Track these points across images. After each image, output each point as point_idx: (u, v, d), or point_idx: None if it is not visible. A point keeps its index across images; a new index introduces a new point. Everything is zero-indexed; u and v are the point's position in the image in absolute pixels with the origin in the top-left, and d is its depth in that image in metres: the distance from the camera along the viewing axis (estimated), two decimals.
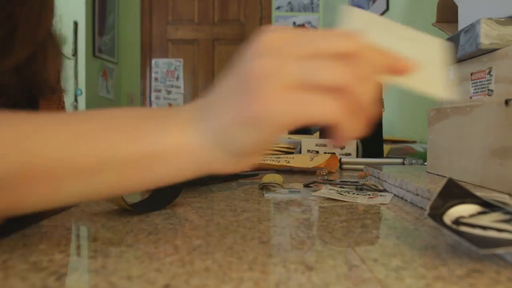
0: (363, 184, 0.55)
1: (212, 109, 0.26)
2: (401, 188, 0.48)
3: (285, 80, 0.23)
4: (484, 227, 0.26)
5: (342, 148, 0.91)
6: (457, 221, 0.27)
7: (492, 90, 0.43)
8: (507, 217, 0.27)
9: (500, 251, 0.24)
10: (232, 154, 0.25)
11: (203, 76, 3.56)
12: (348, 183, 0.57)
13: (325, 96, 0.23)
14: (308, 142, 0.96)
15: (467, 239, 0.24)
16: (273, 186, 0.54)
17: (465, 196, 0.29)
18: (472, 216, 0.27)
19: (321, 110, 0.23)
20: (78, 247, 0.27)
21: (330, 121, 0.23)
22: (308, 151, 0.95)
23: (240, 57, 0.25)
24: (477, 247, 0.24)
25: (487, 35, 0.42)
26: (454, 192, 0.29)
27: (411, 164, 0.78)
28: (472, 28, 0.44)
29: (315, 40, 0.24)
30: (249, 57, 0.24)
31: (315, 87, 0.23)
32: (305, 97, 0.23)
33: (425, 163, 0.69)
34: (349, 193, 0.49)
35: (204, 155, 0.25)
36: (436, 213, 0.27)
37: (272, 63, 0.23)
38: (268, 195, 0.49)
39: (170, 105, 3.58)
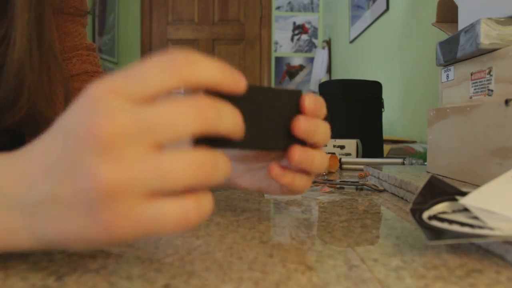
0: (363, 184, 0.55)
1: (44, 215, 0.20)
2: (401, 188, 0.48)
3: (136, 196, 0.19)
4: (461, 223, 0.26)
5: None
6: (436, 217, 0.28)
7: (492, 90, 0.43)
8: None
9: (440, 243, 0.26)
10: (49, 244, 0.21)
11: None
12: (348, 183, 0.57)
13: (178, 202, 0.20)
14: None
15: (427, 232, 0.26)
16: None
17: (454, 193, 0.30)
18: (454, 212, 0.28)
19: (175, 221, 0.20)
20: None
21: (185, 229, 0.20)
22: None
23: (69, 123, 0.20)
24: (427, 239, 0.25)
25: (487, 35, 0.42)
26: (439, 189, 0.30)
27: (411, 164, 0.78)
28: (472, 28, 0.44)
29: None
30: (84, 155, 0.19)
31: (169, 190, 0.19)
32: (157, 211, 0.19)
33: (425, 163, 0.69)
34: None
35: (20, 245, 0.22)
36: (419, 209, 0.28)
37: (118, 175, 0.18)
38: (268, 195, 0.49)
39: None
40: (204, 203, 0.20)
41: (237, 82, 0.23)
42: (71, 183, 0.19)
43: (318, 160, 0.31)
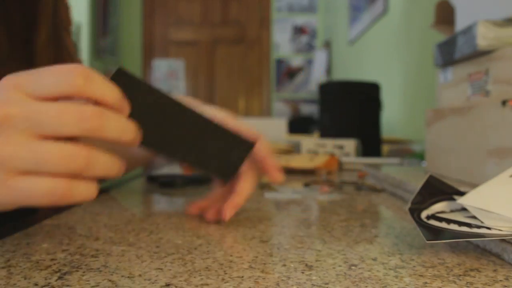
0: (362, 184, 0.55)
1: None
2: (399, 187, 0.48)
3: (12, 170, 0.22)
4: (459, 223, 0.27)
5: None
6: (434, 216, 0.28)
7: (489, 91, 0.44)
8: None
9: (439, 242, 0.26)
10: None
11: (204, 76, 3.56)
12: (348, 183, 0.57)
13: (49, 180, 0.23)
14: (308, 142, 0.97)
15: (424, 231, 0.26)
16: (273, 186, 0.54)
17: (451, 192, 0.30)
18: (452, 211, 0.28)
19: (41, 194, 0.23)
20: (80, 246, 0.28)
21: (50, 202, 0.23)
22: (308, 151, 0.95)
23: None
24: (426, 238, 0.26)
25: (484, 36, 0.42)
26: (437, 189, 0.30)
27: (410, 164, 0.78)
28: (469, 29, 0.44)
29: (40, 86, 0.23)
30: None
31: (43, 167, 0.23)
32: (28, 185, 0.23)
33: (424, 163, 0.69)
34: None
35: None
36: (417, 208, 0.29)
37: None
38: (268, 195, 0.49)
39: None
40: (77, 188, 0.23)
41: (120, 107, 0.26)
42: None
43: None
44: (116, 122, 0.24)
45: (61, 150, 0.23)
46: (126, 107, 0.26)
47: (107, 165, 0.24)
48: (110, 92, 0.25)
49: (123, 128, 0.25)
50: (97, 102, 0.24)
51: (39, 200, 0.23)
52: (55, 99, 0.23)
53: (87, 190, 0.24)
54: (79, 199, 0.24)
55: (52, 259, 0.25)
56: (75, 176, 0.23)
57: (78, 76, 0.23)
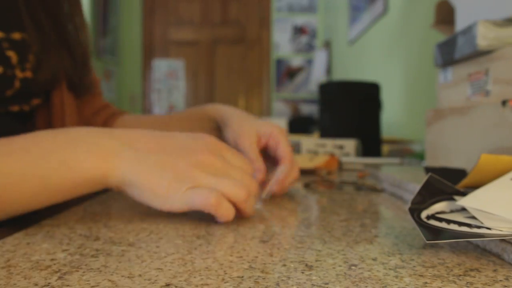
0: (362, 184, 0.55)
1: (139, 168, 0.33)
2: (399, 187, 0.48)
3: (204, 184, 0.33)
4: (459, 223, 0.27)
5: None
6: (434, 216, 0.28)
7: (489, 91, 0.44)
8: None
9: (439, 242, 0.27)
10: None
11: (204, 76, 3.56)
12: (348, 183, 0.57)
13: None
14: (308, 142, 0.97)
15: (424, 231, 0.26)
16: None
17: (452, 192, 0.30)
18: (452, 211, 0.28)
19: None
20: (80, 246, 0.28)
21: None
22: (308, 151, 0.95)
23: (190, 144, 0.36)
24: (426, 238, 0.26)
25: (484, 36, 0.42)
26: (437, 189, 0.30)
27: (410, 164, 0.78)
28: (469, 29, 0.44)
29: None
30: (196, 157, 0.34)
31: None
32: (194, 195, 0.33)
33: (424, 163, 0.69)
34: None
35: (114, 185, 0.34)
36: (417, 208, 0.29)
37: (202, 175, 0.34)
38: (265, 195, 0.49)
39: (171, 108, 3.58)
40: (223, 205, 0.34)
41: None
42: (180, 162, 0.34)
43: None
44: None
45: (233, 185, 0.34)
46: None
47: (252, 203, 0.36)
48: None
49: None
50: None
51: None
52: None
53: (228, 210, 0.33)
54: (223, 215, 0.33)
55: (52, 259, 0.25)
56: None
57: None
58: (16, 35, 0.42)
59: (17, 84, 0.42)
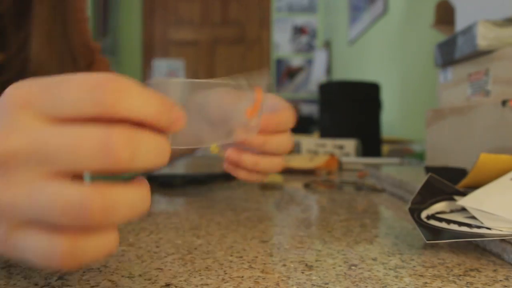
0: (362, 184, 0.55)
1: None
2: (399, 187, 0.48)
3: (11, 219, 0.17)
4: (459, 223, 0.27)
5: None
6: (434, 216, 0.28)
7: (489, 91, 0.44)
8: None
9: (439, 242, 0.27)
10: None
11: (204, 76, 3.56)
12: (348, 182, 0.57)
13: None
14: (308, 142, 0.97)
15: (424, 231, 0.26)
16: (273, 186, 0.54)
17: (452, 192, 0.30)
18: (452, 211, 0.28)
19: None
20: None
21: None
22: (308, 151, 0.95)
23: None
24: (426, 238, 0.26)
25: (484, 36, 0.42)
26: (437, 189, 0.30)
27: (410, 164, 0.78)
28: (469, 29, 0.44)
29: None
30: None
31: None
32: (23, 242, 0.17)
33: (424, 163, 0.69)
34: None
35: None
36: (417, 208, 0.29)
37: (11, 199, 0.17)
38: (268, 195, 0.49)
39: None
40: (82, 246, 0.17)
41: (174, 123, 0.19)
42: None
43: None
44: (147, 148, 0.18)
45: (67, 196, 0.16)
46: (178, 117, 0.20)
47: (131, 208, 0.18)
48: (152, 107, 0.18)
49: (156, 154, 0.18)
50: (134, 123, 0.18)
51: (35, 263, 0.17)
52: (78, 121, 0.17)
53: (100, 247, 0.18)
54: (88, 260, 0.17)
55: None
56: (86, 229, 0.17)
57: (109, 91, 0.17)
58: None
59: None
